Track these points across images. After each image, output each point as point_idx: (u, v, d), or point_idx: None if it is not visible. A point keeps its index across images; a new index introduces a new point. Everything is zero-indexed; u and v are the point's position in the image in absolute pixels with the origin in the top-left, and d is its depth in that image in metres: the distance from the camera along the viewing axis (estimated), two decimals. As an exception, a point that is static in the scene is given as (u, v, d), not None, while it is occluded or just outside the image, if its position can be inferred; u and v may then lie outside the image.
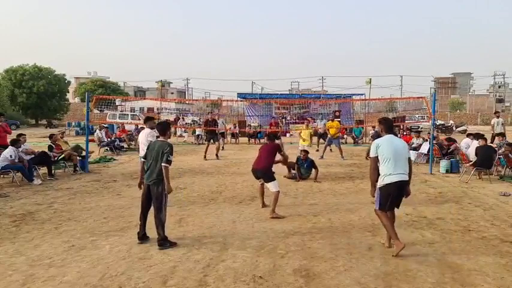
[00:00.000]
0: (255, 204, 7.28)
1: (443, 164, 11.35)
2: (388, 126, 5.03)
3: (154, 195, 5.10)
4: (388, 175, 4.72)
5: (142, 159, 5.54)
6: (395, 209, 4.99)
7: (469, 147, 11.44)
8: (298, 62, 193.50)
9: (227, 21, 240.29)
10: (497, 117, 16.21)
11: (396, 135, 5.11)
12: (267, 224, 6.06)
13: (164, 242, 5.03)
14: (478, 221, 6.28)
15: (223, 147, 16.94)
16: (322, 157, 13.93)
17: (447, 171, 11.15)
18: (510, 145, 10.68)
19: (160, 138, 5.35)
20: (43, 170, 10.27)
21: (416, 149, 13.73)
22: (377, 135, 8.09)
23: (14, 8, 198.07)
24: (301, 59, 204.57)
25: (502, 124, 15.73)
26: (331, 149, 15.18)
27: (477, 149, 10.10)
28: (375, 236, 5.50)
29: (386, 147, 4.78)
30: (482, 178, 10.05)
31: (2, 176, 9.61)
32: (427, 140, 13.64)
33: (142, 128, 8.98)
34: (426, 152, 12.77)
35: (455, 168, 11.27)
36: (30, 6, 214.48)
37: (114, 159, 14.06)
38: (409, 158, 4.92)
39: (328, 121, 16.59)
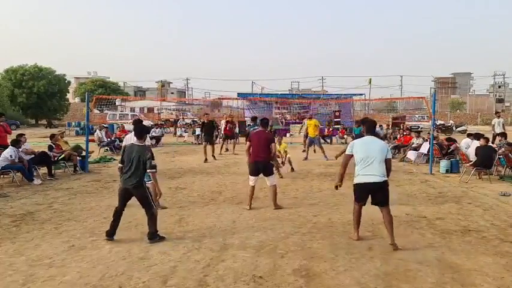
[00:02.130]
0: (255, 205, 7.28)
1: (443, 164, 11.36)
2: (369, 127, 5.22)
3: (139, 197, 5.20)
4: (358, 175, 5.03)
5: (120, 164, 5.39)
6: (385, 207, 5.07)
7: (469, 147, 11.45)
8: (298, 62, 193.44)
9: (227, 21, 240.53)
10: (498, 117, 16.37)
11: (378, 137, 5.35)
12: (267, 224, 6.06)
13: (155, 235, 5.16)
14: (478, 221, 6.28)
15: (227, 149, 16.90)
16: (306, 158, 13.80)
17: (447, 171, 11.15)
18: (510, 145, 10.69)
19: (137, 142, 5.26)
20: (43, 170, 10.27)
21: (416, 149, 13.74)
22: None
23: (14, 8, 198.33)
24: (301, 59, 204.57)
25: (503, 124, 15.79)
26: (314, 150, 14.43)
27: (477, 149, 10.10)
28: (375, 236, 5.50)
29: (360, 148, 5.03)
30: (482, 178, 10.05)
31: (2, 176, 9.61)
32: (427, 140, 13.64)
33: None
34: (426, 152, 12.77)
35: (455, 168, 11.27)
36: (30, 6, 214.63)
37: (114, 159, 14.04)
38: (389, 160, 5.02)
39: (307, 119, 15.68)
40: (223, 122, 20.74)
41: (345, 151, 7.35)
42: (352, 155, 5.09)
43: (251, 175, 7.03)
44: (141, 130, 5.43)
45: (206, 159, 13.59)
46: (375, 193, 5.01)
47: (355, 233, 5.26)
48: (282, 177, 9.85)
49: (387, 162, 4.99)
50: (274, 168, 7.38)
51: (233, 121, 18.30)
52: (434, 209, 7.07)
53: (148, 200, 5.20)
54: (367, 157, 4.92)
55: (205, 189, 8.77)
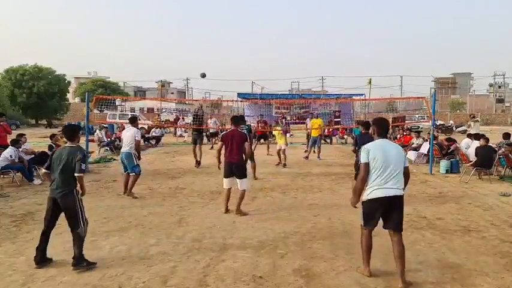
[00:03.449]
0: (255, 205, 7.28)
1: (443, 164, 11.36)
2: (383, 128, 4.30)
3: (65, 208, 4.45)
4: (372, 188, 4.04)
5: (45, 170, 4.77)
6: (399, 232, 4.08)
7: (469, 147, 11.46)
8: (298, 62, 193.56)
9: (227, 21, 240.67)
10: (473, 117, 17.62)
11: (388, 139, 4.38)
12: (267, 224, 6.06)
13: (80, 261, 4.35)
14: (478, 221, 6.28)
15: (212, 147, 16.83)
16: (307, 158, 13.77)
17: (447, 171, 11.14)
18: (510, 145, 10.69)
19: (69, 144, 4.63)
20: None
21: (416, 149, 13.75)
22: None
23: (14, 8, 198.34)
24: (301, 59, 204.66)
25: (478, 125, 16.96)
26: (314, 150, 14.26)
27: (477, 149, 10.10)
28: (375, 236, 5.47)
29: (378, 153, 4.05)
30: (482, 178, 10.05)
31: (2, 176, 9.60)
32: (427, 140, 13.65)
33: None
34: (426, 152, 12.77)
35: (455, 168, 11.27)
36: (30, 6, 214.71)
37: (114, 159, 14.03)
38: (406, 167, 4.15)
39: (312, 119, 15.43)
40: (209, 121, 20.76)
41: (357, 163, 6.45)
42: (368, 163, 4.06)
43: (225, 177, 6.70)
44: (72, 131, 4.74)
45: (197, 162, 12.30)
46: (391, 211, 4.03)
47: (366, 268, 4.19)
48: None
49: (405, 172, 4.13)
50: (249, 171, 6.89)
51: (265, 120, 17.46)
52: (434, 209, 7.07)
53: (77, 215, 4.44)
54: (387, 164, 3.99)
55: (205, 189, 8.77)
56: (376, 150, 4.07)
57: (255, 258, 4.68)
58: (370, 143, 4.27)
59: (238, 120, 7.03)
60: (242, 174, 6.55)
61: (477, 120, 17.38)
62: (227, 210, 6.71)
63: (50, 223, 4.57)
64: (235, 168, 6.55)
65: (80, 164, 4.45)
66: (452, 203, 7.51)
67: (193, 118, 13.58)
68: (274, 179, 9.91)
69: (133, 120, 8.57)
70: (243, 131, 7.22)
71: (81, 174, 4.50)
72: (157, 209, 6.97)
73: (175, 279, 4.13)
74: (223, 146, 6.75)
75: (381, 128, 4.28)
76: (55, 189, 4.46)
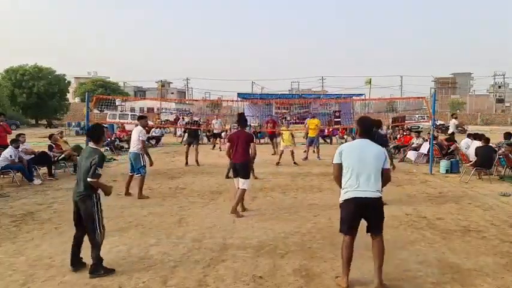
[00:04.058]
0: (255, 205, 7.28)
1: (443, 164, 11.36)
2: (364, 128, 4.08)
3: (84, 213, 4.28)
4: (348, 190, 3.90)
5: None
6: (378, 233, 3.97)
7: (469, 147, 11.45)
8: (298, 62, 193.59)
9: (227, 21, 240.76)
10: (455, 118, 17.68)
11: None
12: (267, 224, 6.06)
13: (98, 268, 4.23)
14: (478, 221, 6.28)
15: (220, 148, 16.91)
16: (306, 158, 13.82)
17: (447, 171, 11.14)
18: (510, 145, 10.68)
19: (92, 145, 4.47)
20: (43, 170, 10.27)
21: (416, 149, 13.75)
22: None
23: (14, 8, 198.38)
24: (301, 59, 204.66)
25: (456, 125, 17.17)
26: (314, 150, 14.35)
27: (477, 149, 10.10)
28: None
29: (351, 154, 3.93)
30: (482, 178, 10.05)
31: (2, 176, 9.60)
32: (427, 140, 13.65)
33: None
34: (426, 152, 12.77)
35: (455, 168, 11.27)
36: (30, 6, 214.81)
37: (114, 159, 14.05)
38: (386, 170, 3.95)
39: (310, 119, 15.22)
40: (214, 121, 20.77)
41: None
42: (341, 164, 3.97)
43: (234, 177, 6.84)
44: (97, 132, 4.58)
45: (187, 163, 12.53)
46: (368, 215, 3.91)
47: (343, 278, 3.97)
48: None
49: (384, 174, 3.93)
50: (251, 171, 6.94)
51: (273, 119, 17.33)
52: (434, 209, 7.07)
53: (94, 223, 4.25)
54: (360, 166, 3.85)
55: (205, 189, 8.77)
56: (351, 152, 3.96)
57: (255, 258, 4.67)
58: (346, 144, 4.23)
59: (243, 121, 7.10)
60: (245, 175, 6.61)
61: (456, 117, 18.03)
62: (244, 209, 6.82)
63: (78, 225, 4.40)
64: (239, 168, 6.62)
65: (96, 168, 4.19)
66: (452, 203, 7.51)
67: (192, 121, 14.32)
68: (274, 179, 9.91)
69: (140, 118, 8.63)
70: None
71: (94, 180, 4.19)
72: (157, 209, 6.97)
73: (175, 279, 4.13)
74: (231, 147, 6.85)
75: (363, 127, 4.08)
76: (76, 191, 4.35)
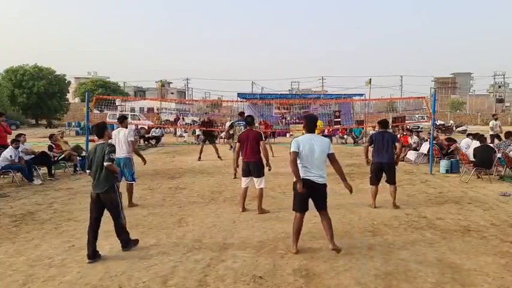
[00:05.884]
0: (256, 205, 7.27)
1: (443, 164, 11.35)
2: (309, 125, 4.90)
3: (109, 203, 4.82)
4: (302, 175, 4.69)
5: (88, 171, 5.08)
6: (325, 210, 4.82)
7: (469, 147, 11.42)
8: (298, 62, 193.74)
9: (227, 21, 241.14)
10: (496, 119, 16.67)
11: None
12: (267, 224, 6.06)
13: (128, 243, 4.91)
14: (478, 221, 6.28)
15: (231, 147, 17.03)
16: None
17: (447, 171, 11.14)
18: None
19: (99, 141, 5.00)
20: (43, 170, 10.26)
21: (416, 149, 13.74)
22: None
23: (15, 8, 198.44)
24: (301, 59, 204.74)
25: (500, 126, 16.10)
26: None
27: (475, 149, 10.09)
28: (375, 236, 5.50)
29: (306, 146, 4.68)
30: (482, 178, 10.04)
31: (2, 176, 9.61)
32: (427, 140, 13.64)
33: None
34: (426, 152, 12.77)
35: (455, 168, 11.26)
36: (30, 6, 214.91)
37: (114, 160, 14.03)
38: (332, 154, 4.76)
39: None
40: (228, 124, 20.78)
41: (365, 153, 7.42)
42: (298, 152, 4.68)
43: (243, 176, 6.84)
44: (101, 129, 5.10)
45: (200, 158, 13.73)
46: (317, 196, 4.77)
47: (293, 246, 4.84)
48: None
49: (331, 158, 4.77)
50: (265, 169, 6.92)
51: (265, 121, 18.13)
52: (434, 209, 7.07)
53: (119, 209, 4.87)
54: (312, 156, 4.66)
55: (205, 189, 8.77)
56: (304, 143, 4.70)
57: (255, 258, 4.67)
58: (300, 137, 4.86)
59: (249, 121, 7.15)
60: (260, 173, 6.64)
61: (497, 118, 17.23)
62: (244, 209, 6.80)
63: (96, 218, 4.79)
64: (253, 167, 6.65)
65: (109, 154, 4.73)
66: (452, 203, 7.50)
67: (203, 123, 15.59)
68: (274, 179, 9.90)
69: (122, 120, 7.50)
70: (242, 126, 7.29)
71: (110, 163, 4.73)
72: (157, 209, 6.97)
73: (175, 279, 4.13)
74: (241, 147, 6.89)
75: (308, 124, 4.90)
76: (96, 186, 4.82)
